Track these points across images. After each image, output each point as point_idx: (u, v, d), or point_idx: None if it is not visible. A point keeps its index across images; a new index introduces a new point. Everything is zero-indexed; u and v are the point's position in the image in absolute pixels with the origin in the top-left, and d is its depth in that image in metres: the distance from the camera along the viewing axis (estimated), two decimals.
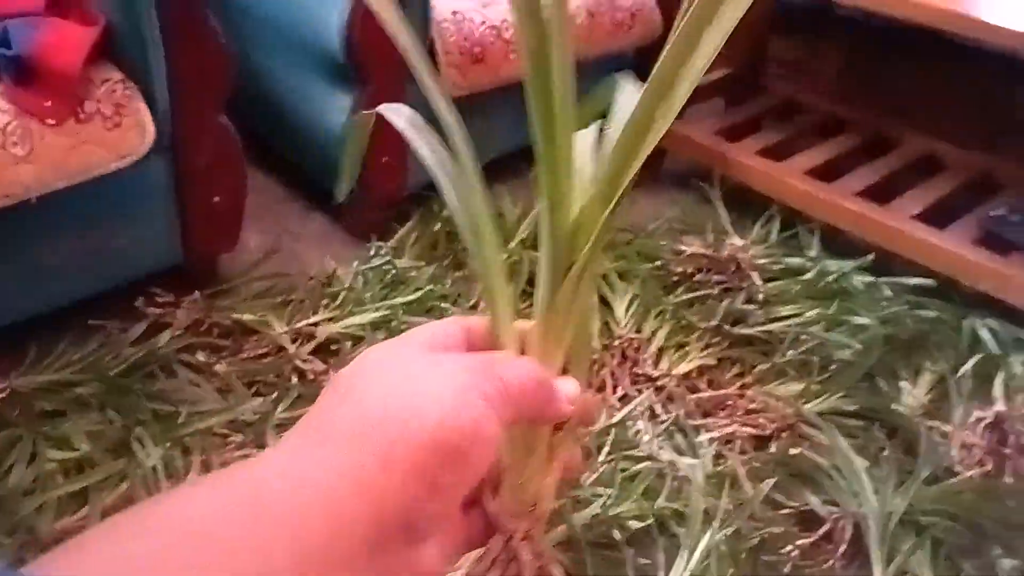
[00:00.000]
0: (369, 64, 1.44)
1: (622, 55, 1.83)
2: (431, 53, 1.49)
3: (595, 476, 1.13)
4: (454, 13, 1.52)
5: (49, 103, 1.12)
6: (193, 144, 1.28)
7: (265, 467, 0.27)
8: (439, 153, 0.42)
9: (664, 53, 0.34)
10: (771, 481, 1.14)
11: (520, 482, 0.42)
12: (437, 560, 0.29)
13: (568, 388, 0.36)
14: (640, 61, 1.88)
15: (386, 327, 1.33)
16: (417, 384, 0.29)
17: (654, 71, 0.35)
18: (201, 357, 1.24)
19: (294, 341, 1.28)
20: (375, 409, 0.28)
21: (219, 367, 1.22)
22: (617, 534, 1.06)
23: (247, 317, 1.30)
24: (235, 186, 1.36)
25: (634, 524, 1.08)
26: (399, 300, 1.38)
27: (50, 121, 1.11)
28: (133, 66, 1.18)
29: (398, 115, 0.43)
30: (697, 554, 1.01)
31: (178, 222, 1.32)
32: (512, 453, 0.42)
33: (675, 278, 1.51)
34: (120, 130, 1.17)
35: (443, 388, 0.29)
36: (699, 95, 1.92)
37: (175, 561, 0.22)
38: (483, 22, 1.54)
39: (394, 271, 1.44)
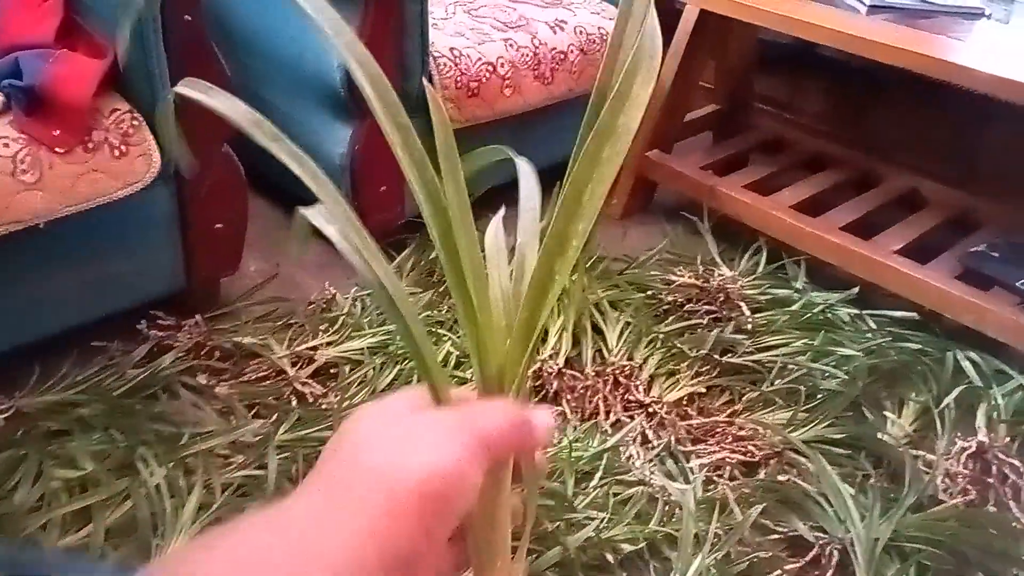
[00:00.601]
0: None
1: None
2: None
3: (588, 500, 1.15)
4: (451, 50, 1.57)
5: (58, 132, 1.15)
6: (199, 173, 1.31)
7: (301, 512, 0.33)
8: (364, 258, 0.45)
9: (555, 214, 0.40)
10: (760, 507, 1.16)
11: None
12: None
13: (541, 419, 0.40)
14: None
15: (383, 352, 1.35)
16: (408, 444, 0.35)
17: (549, 231, 0.40)
18: (202, 379, 1.26)
19: (294, 364, 1.30)
20: (379, 468, 0.34)
21: (220, 389, 1.24)
22: (610, 557, 1.08)
23: (248, 340, 1.33)
24: (237, 213, 1.39)
25: (626, 547, 1.10)
26: None
27: (59, 149, 1.14)
28: (140, 97, 1.22)
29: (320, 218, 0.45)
30: None
31: (181, 248, 1.34)
32: (480, 556, 0.48)
33: (666, 307, 1.54)
34: (127, 159, 1.20)
35: (430, 446, 0.34)
36: (688, 130, 1.98)
37: None
38: (479, 59, 1.59)
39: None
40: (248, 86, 1.45)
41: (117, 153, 1.19)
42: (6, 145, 1.10)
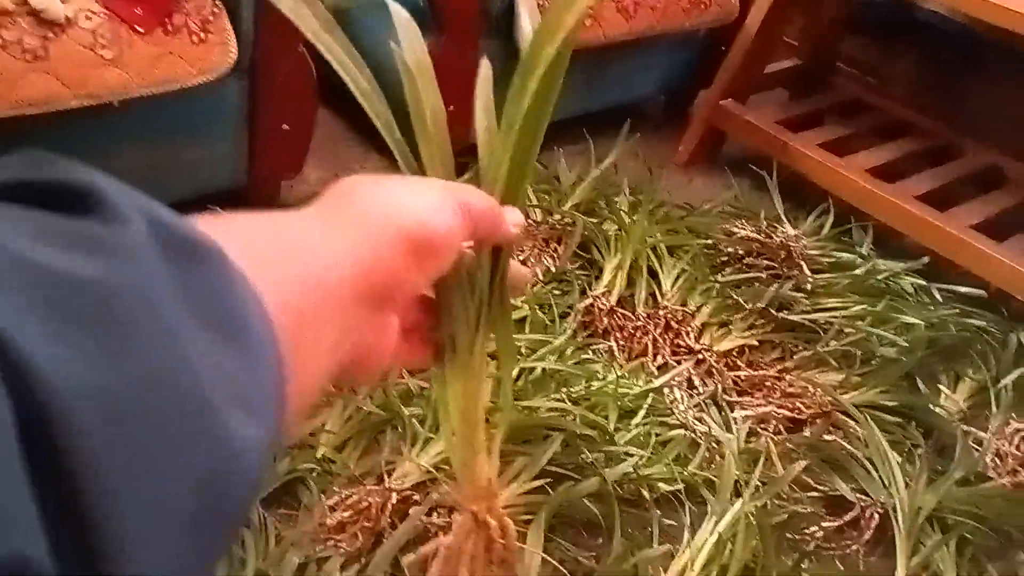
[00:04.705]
0: (447, 13, 1.45)
1: (692, 34, 1.82)
2: (511, 10, 1.50)
3: (629, 437, 1.14)
4: None
5: (140, 11, 1.14)
6: (270, 69, 1.30)
7: (297, 222, 0.34)
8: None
9: None
10: (803, 463, 1.15)
11: (474, 473, 0.57)
12: (392, 333, 0.38)
13: (513, 216, 0.44)
14: (710, 42, 1.87)
15: None
16: (406, 195, 0.37)
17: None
18: None
19: None
20: (373, 207, 0.36)
21: None
22: (647, 494, 1.08)
23: None
24: (305, 115, 1.38)
25: (664, 487, 1.09)
26: None
27: (139, 28, 1.14)
28: None
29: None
30: (725, 521, 1.03)
31: (247, 144, 1.34)
32: (463, 454, 0.56)
33: (724, 258, 1.51)
34: (204, 46, 1.19)
35: (425, 199, 0.37)
36: (763, 83, 1.92)
37: (241, 245, 0.27)
38: None
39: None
40: None
41: (196, 39, 1.18)
42: (88, 18, 1.10)
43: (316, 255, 0.32)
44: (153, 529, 0.19)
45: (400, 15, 0.51)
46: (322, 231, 0.34)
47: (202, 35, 1.18)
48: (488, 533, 0.61)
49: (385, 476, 1.02)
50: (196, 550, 0.21)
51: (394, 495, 0.97)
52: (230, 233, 0.27)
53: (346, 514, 0.94)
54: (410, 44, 0.54)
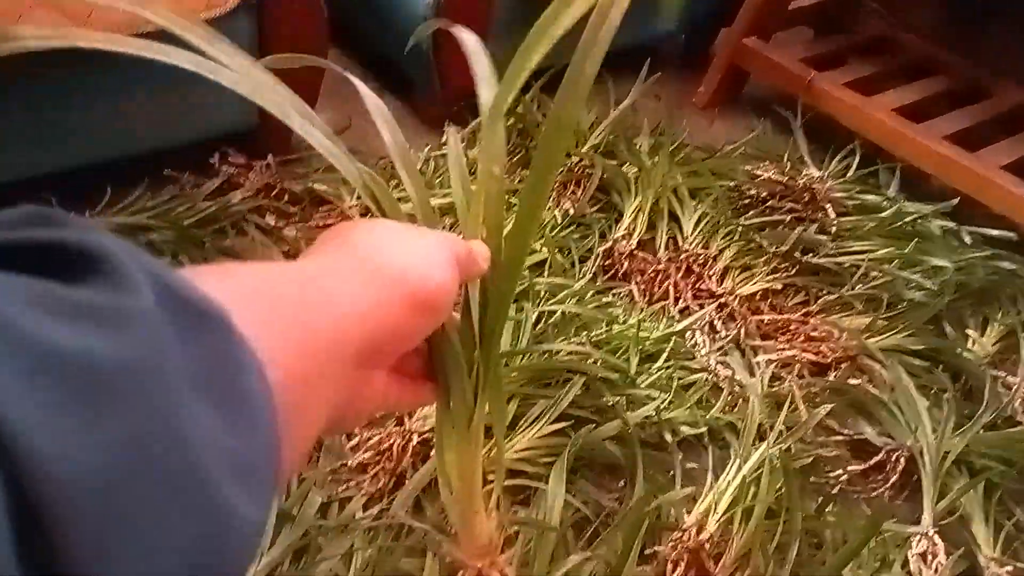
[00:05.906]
0: None
1: None
2: None
3: (650, 380, 1.12)
4: None
5: None
6: (280, 7, 1.26)
7: (313, 268, 0.36)
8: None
9: None
10: (827, 407, 1.13)
11: (474, 531, 0.59)
12: (375, 387, 0.39)
13: (480, 250, 0.48)
14: None
15: (453, 214, 1.32)
16: (410, 249, 0.38)
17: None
18: (271, 220, 1.24)
19: (362, 215, 1.28)
20: (380, 263, 0.37)
21: (288, 231, 1.23)
22: (668, 437, 1.06)
23: (319, 187, 1.30)
24: (316, 55, 1.34)
25: (686, 430, 1.08)
26: None
27: None
28: None
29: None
30: (749, 464, 1.01)
31: None
32: (462, 515, 0.58)
33: (747, 201, 1.48)
34: None
35: (427, 255, 0.39)
36: (787, 20, 1.86)
37: (251, 309, 0.27)
38: None
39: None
40: None
41: None
42: None
43: (325, 315, 0.32)
44: None
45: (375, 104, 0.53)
46: (334, 283, 0.34)
47: None
48: None
49: (405, 418, 1.00)
50: None
51: (415, 436, 0.96)
52: (239, 291, 0.28)
53: (367, 455, 0.93)
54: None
